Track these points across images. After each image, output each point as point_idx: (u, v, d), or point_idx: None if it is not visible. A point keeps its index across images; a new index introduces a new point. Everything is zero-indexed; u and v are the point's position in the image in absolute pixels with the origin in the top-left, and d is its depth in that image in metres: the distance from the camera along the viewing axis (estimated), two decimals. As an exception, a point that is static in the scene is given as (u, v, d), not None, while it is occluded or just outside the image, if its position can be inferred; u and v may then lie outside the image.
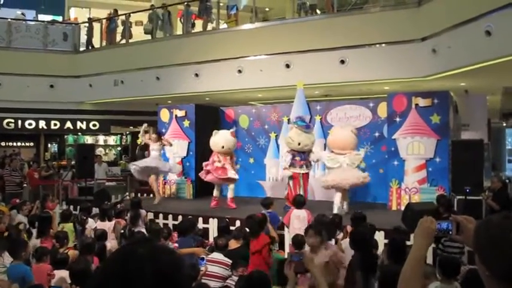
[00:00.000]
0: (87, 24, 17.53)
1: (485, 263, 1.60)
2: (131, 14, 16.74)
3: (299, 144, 9.88)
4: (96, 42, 17.37)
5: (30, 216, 8.55)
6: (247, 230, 6.97)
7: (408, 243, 4.69)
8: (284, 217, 8.07)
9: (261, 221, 6.83)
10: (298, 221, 7.70)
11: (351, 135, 9.76)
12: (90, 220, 8.36)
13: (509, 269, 1.42)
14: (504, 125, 21.86)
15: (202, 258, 5.96)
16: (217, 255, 5.84)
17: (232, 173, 10.57)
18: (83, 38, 17.63)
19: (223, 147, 10.60)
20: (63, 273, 5.20)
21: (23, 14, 18.06)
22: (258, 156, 12.92)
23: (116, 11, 17.20)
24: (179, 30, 16.12)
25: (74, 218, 8.34)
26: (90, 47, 17.09)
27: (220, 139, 10.69)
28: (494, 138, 19.34)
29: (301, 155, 9.92)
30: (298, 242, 6.11)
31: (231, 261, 5.67)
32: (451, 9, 9.59)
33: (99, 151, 20.15)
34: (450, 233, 2.04)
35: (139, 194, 13.28)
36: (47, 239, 7.04)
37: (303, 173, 9.94)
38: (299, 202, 8.00)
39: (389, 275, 3.51)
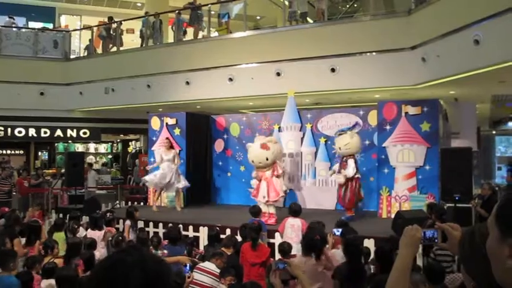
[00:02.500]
0: (88, 32, 17.46)
1: (470, 273, 1.59)
2: (122, 22, 16.74)
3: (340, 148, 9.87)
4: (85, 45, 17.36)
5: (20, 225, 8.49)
6: (242, 238, 6.97)
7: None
8: (280, 225, 8.04)
9: (258, 229, 6.85)
10: (292, 229, 7.66)
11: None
12: (81, 229, 8.31)
13: (494, 279, 1.42)
14: (493, 132, 22.05)
15: (186, 265, 5.90)
16: (208, 265, 5.79)
17: (272, 196, 9.57)
18: (74, 45, 17.61)
19: (253, 161, 9.81)
20: (51, 282, 5.16)
21: (11, 17, 17.90)
22: (249, 165, 12.82)
23: (110, 18, 17.14)
24: (170, 38, 16.14)
25: (65, 227, 8.29)
26: (91, 53, 17.04)
27: (250, 154, 9.89)
28: (484, 145, 19.47)
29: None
30: (283, 249, 6.12)
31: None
32: (440, 19, 9.68)
33: (90, 159, 20.09)
34: (436, 240, 2.04)
35: (129, 203, 13.21)
36: (33, 248, 6.99)
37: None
38: (295, 211, 7.95)
39: (381, 284, 3.51)
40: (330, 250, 6.17)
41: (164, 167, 11.50)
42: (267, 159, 9.54)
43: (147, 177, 11.76)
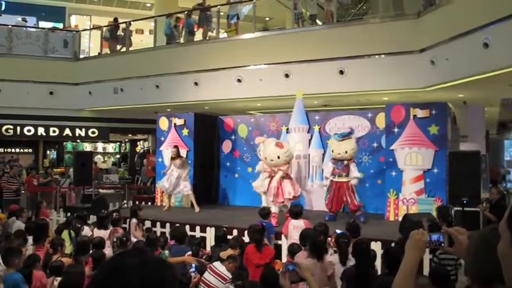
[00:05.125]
0: (98, 32, 17.50)
1: (475, 271, 1.62)
2: (132, 23, 16.80)
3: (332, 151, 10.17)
4: (96, 49, 17.44)
5: (28, 223, 8.55)
6: (250, 240, 6.98)
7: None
8: (283, 228, 8.08)
9: (262, 230, 6.87)
10: (296, 231, 7.66)
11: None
12: (85, 228, 8.34)
13: (485, 274, 1.46)
14: (502, 136, 21.93)
15: (192, 266, 5.92)
16: (219, 266, 5.78)
17: (286, 195, 9.66)
18: (84, 45, 17.68)
19: (265, 158, 9.86)
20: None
21: (24, 19, 18.06)
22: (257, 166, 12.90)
23: (115, 19, 17.19)
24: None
25: (70, 226, 8.32)
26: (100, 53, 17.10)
27: (265, 151, 9.94)
28: (492, 149, 19.36)
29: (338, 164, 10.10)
30: (294, 251, 6.13)
31: (230, 277, 5.62)
32: (449, 21, 9.65)
33: (98, 158, 20.17)
34: (442, 245, 2.05)
35: (137, 202, 13.25)
36: (42, 247, 7.03)
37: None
38: (296, 212, 7.98)
39: (386, 286, 3.51)
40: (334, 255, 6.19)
41: (173, 174, 11.82)
42: (278, 157, 9.65)
43: (161, 184, 12.31)
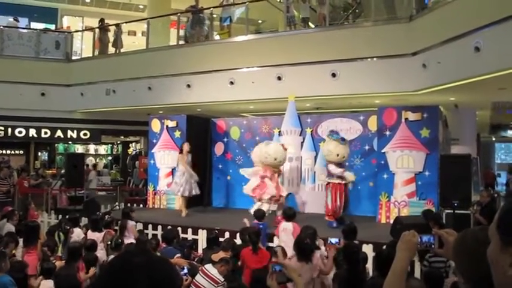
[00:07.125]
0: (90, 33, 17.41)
1: (461, 272, 1.64)
2: (125, 24, 16.76)
3: (337, 155, 9.97)
4: (88, 51, 17.38)
5: (18, 225, 8.49)
6: (242, 242, 6.99)
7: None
8: (276, 229, 8.11)
9: (259, 232, 6.88)
10: (284, 233, 7.71)
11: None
12: (77, 230, 8.29)
13: (480, 276, 1.46)
14: (493, 139, 22.06)
15: (184, 268, 5.91)
16: (211, 269, 5.77)
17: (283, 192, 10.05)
18: (76, 46, 17.62)
19: (275, 159, 9.94)
20: (49, 283, 5.16)
21: (15, 19, 17.95)
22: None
23: (102, 20, 17.09)
24: (173, 41, 16.17)
25: (59, 228, 8.27)
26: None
27: (273, 151, 10.00)
28: (483, 152, 19.46)
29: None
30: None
31: (222, 280, 5.61)
32: (441, 25, 9.71)
33: (90, 160, 20.09)
34: (433, 246, 2.07)
35: (129, 204, 13.22)
36: (33, 249, 6.98)
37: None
38: (288, 215, 7.99)
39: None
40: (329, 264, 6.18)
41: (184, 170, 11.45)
42: (284, 158, 10.20)
43: (173, 189, 11.67)
